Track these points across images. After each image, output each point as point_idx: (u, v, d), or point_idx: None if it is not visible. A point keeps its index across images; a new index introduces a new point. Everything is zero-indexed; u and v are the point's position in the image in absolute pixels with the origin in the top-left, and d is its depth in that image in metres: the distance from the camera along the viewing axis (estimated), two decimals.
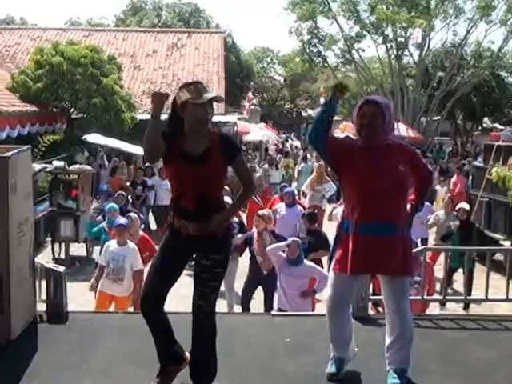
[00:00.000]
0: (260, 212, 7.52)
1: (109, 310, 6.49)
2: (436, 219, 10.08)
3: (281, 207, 9.57)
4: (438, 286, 7.45)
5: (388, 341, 3.83)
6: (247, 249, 7.41)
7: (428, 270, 6.19)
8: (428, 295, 6.04)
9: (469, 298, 5.69)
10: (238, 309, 7.69)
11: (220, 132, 3.83)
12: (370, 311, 5.38)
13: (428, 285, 6.16)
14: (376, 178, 3.63)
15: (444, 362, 4.19)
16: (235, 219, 8.13)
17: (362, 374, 3.97)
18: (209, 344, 3.69)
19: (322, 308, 7.91)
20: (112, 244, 6.79)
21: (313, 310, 6.54)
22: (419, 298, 5.55)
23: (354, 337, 3.96)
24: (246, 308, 7.28)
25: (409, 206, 3.81)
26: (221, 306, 8.06)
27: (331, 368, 3.89)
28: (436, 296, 6.73)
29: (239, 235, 7.63)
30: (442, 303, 7.78)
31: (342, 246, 3.76)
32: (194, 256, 3.68)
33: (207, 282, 3.61)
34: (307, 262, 6.48)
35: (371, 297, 5.39)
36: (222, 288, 8.30)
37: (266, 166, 17.47)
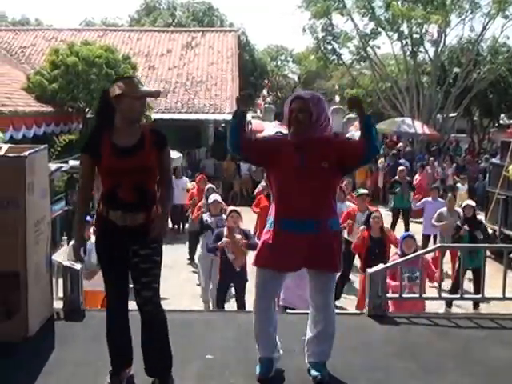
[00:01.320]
0: (231, 208, 7.56)
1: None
2: (440, 217, 10.15)
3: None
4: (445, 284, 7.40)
5: (310, 334, 3.86)
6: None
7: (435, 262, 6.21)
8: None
9: (486, 296, 5.63)
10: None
11: (150, 127, 3.87)
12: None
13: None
14: (298, 175, 3.64)
15: (461, 361, 4.16)
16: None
17: (376, 373, 3.95)
18: (163, 335, 3.68)
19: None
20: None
21: None
22: (436, 295, 5.55)
23: (370, 335, 3.95)
24: (221, 307, 7.25)
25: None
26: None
27: (260, 369, 3.83)
28: (448, 295, 6.70)
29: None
30: (449, 303, 7.77)
31: (267, 241, 3.77)
32: (130, 248, 3.65)
33: (149, 271, 3.61)
34: None
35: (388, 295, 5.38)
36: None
37: None
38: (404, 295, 5.64)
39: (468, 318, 5.06)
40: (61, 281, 5.10)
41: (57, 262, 5.10)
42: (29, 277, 4.30)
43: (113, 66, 16.52)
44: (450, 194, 11.50)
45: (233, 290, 7.60)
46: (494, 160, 14.69)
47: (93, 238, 6.62)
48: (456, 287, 7.80)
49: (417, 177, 15.62)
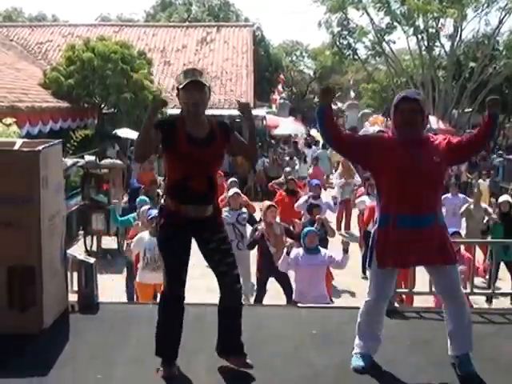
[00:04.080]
0: (268, 203, 7.61)
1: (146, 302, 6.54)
2: (467, 213, 10.13)
3: (304, 199, 9.73)
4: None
5: (449, 329, 3.86)
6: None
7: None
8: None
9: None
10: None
11: (217, 120, 3.92)
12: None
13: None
14: (413, 172, 3.67)
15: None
16: (244, 210, 8.28)
17: (388, 367, 3.95)
18: (240, 320, 3.86)
19: (348, 300, 7.97)
20: (145, 235, 6.91)
21: (330, 298, 6.73)
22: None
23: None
24: (259, 300, 7.30)
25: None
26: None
27: (357, 363, 3.90)
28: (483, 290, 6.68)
29: (249, 227, 7.75)
30: (489, 298, 7.73)
31: (382, 240, 3.79)
32: (199, 242, 3.80)
33: (230, 252, 3.80)
34: (323, 250, 6.58)
35: (398, 290, 5.38)
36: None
37: (286, 158, 17.66)
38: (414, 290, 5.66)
39: (478, 313, 5.03)
40: (75, 274, 5.14)
41: (71, 256, 5.15)
42: (43, 271, 4.34)
43: (128, 61, 16.62)
44: (475, 190, 11.47)
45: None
46: (507, 156, 14.63)
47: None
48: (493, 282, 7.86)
49: None
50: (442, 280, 3.83)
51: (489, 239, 8.95)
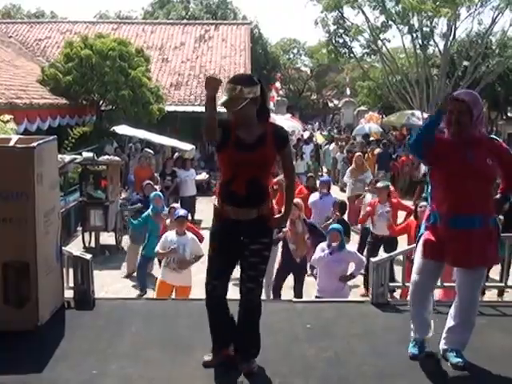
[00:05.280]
0: (294, 200, 7.63)
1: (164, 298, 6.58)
2: None
3: (316, 196, 9.86)
4: None
5: (452, 323, 3.96)
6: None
7: None
8: None
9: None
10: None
11: (274, 123, 3.97)
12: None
13: None
14: (465, 172, 3.73)
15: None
16: None
17: (380, 360, 3.99)
18: (257, 323, 3.87)
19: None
20: (171, 234, 7.04)
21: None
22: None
23: (374, 323, 4.00)
24: (277, 295, 7.37)
25: (498, 196, 3.93)
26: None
27: (413, 349, 4.01)
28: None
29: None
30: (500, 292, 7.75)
31: (431, 235, 3.88)
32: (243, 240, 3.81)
33: (257, 266, 3.77)
34: (347, 247, 6.72)
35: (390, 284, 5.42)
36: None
37: None
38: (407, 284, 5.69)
39: None
40: (71, 270, 5.17)
41: (67, 252, 5.17)
42: (39, 267, 4.35)
43: (126, 58, 16.63)
44: None
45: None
46: None
47: (189, 234, 6.99)
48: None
49: None
50: (470, 279, 3.88)
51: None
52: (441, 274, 4.18)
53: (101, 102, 17.17)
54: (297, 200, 7.62)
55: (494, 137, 4.12)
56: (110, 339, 4.32)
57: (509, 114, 34.03)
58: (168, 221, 8.10)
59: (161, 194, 9.44)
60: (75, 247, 9.54)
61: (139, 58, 17.31)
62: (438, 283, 5.17)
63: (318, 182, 11.24)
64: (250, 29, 27.24)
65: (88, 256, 5.16)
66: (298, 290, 7.35)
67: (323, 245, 6.67)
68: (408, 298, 4.11)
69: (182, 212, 7.32)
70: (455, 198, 3.75)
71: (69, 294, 5.09)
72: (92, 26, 25.54)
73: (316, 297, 6.61)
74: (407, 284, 5.70)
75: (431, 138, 3.80)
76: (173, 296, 6.83)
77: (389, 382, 3.77)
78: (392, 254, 5.78)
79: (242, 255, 3.79)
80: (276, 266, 7.61)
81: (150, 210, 8.92)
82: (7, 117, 8.20)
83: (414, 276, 3.99)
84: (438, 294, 6.23)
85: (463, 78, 25.86)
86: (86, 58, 16.17)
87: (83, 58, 16.20)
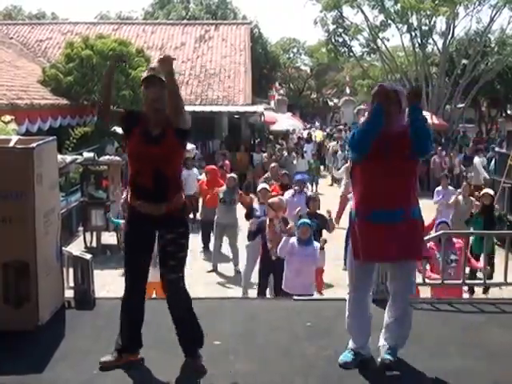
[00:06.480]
0: (269, 200, 7.64)
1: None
2: (456, 204, 10.36)
3: (289, 193, 9.78)
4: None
5: (387, 320, 3.90)
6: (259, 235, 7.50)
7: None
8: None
9: (488, 281, 5.65)
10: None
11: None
12: None
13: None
14: (386, 166, 3.65)
15: (463, 345, 4.20)
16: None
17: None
18: (189, 312, 3.86)
19: (341, 293, 7.95)
20: None
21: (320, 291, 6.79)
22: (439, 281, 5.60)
23: (375, 320, 3.99)
24: (262, 294, 7.31)
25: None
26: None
27: (345, 357, 3.89)
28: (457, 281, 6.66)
29: (251, 220, 7.86)
30: (471, 290, 7.75)
31: (354, 233, 3.82)
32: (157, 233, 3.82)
33: (174, 255, 3.77)
34: (315, 242, 6.65)
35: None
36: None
37: (285, 153, 17.75)
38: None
39: (470, 303, 5.10)
40: (72, 270, 5.18)
41: (67, 252, 5.17)
42: (38, 267, 4.37)
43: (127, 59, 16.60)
44: (464, 183, 11.55)
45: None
46: (499, 149, 14.81)
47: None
48: (473, 272, 7.85)
49: None
50: (399, 273, 3.83)
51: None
52: (373, 273, 4.04)
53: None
54: (273, 200, 7.67)
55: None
56: (110, 339, 4.29)
57: (508, 112, 34.14)
58: None
59: None
60: (77, 247, 9.55)
61: (140, 59, 17.30)
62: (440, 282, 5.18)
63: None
64: (250, 28, 27.25)
65: (88, 256, 5.16)
66: (278, 289, 7.23)
67: (293, 239, 6.58)
68: (347, 304, 3.98)
69: None
70: (375, 194, 3.68)
71: (69, 293, 5.10)
72: (93, 26, 25.55)
73: (282, 291, 6.52)
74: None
75: (378, 132, 3.69)
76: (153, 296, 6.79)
77: (391, 381, 3.77)
78: None
79: (158, 247, 3.81)
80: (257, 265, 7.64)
81: None
82: (8, 117, 8.21)
83: (349, 279, 3.91)
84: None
85: (462, 76, 25.98)
86: (86, 58, 16.17)
87: (84, 58, 16.20)
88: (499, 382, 3.72)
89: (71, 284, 5.17)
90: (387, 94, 3.71)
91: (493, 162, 15.03)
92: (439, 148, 19.21)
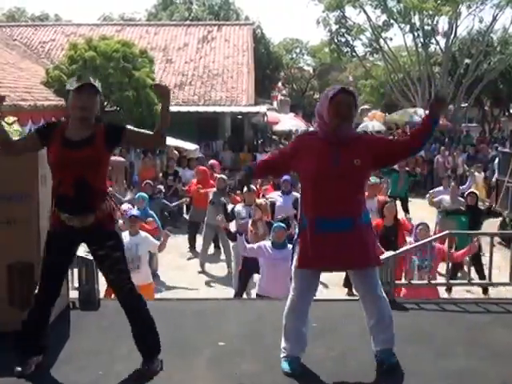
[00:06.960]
0: (258, 201, 7.62)
1: None
2: (439, 200, 10.39)
3: (277, 195, 9.66)
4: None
5: (369, 325, 3.83)
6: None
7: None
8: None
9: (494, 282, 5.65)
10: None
11: (107, 123, 3.80)
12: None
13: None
14: (332, 174, 3.56)
15: (469, 345, 4.19)
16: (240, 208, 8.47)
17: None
18: (147, 321, 3.82)
19: (341, 293, 7.94)
20: (125, 235, 6.91)
21: None
22: (425, 282, 5.62)
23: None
24: (239, 295, 7.28)
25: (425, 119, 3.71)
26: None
27: (286, 367, 3.80)
28: (442, 280, 6.64)
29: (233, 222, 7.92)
30: (449, 288, 7.72)
31: (302, 242, 3.71)
32: (88, 248, 3.77)
33: (112, 268, 3.69)
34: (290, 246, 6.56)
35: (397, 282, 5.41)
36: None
37: None
38: (413, 282, 5.69)
39: (475, 302, 5.09)
40: (76, 271, 5.18)
41: None
42: None
43: (130, 60, 16.61)
44: (453, 183, 11.54)
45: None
46: (502, 148, 14.79)
47: (142, 233, 6.98)
48: (455, 271, 7.82)
49: None
50: (362, 283, 3.76)
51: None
52: (317, 283, 3.91)
53: (105, 103, 17.17)
54: (260, 201, 7.66)
55: (365, 131, 3.99)
56: (114, 340, 4.31)
57: (511, 111, 34.05)
58: (121, 222, 7.86)
59: (145, 195, 9.30)
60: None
61: (143, 59, 17.32)
62: (443, 280, 5.17)
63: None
64: (253, 29, 27.31)
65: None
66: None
67: (266, 243, 6.48)
68: (285, 311, 3.88)
69: (134, 212, 7.36)
70: (322, 201, 3.57)
71: (74, 294, 5.11)
72: (96, 28, 25.62)
73: (257, 295, 6.44)
74: (413, 282, 5.73)
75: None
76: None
77: (397, 381, 3.75)
78: (398, 251, 5.74)
79: (95, 262, 3.75)
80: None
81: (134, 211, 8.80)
82: (12, 118, 8.24)
83: (294, 290, 3.81)
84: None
85: (465, 75, 26.00)
86: (90, 59, 16.18)
87: (87, 59, 16.21)
88: (505, 382, 3.70)
89: (76, 285, 5.17)
90: (343, 95, 3.60)
91: (496, 161, 15.00)
92: (442, 148, 19.20)
